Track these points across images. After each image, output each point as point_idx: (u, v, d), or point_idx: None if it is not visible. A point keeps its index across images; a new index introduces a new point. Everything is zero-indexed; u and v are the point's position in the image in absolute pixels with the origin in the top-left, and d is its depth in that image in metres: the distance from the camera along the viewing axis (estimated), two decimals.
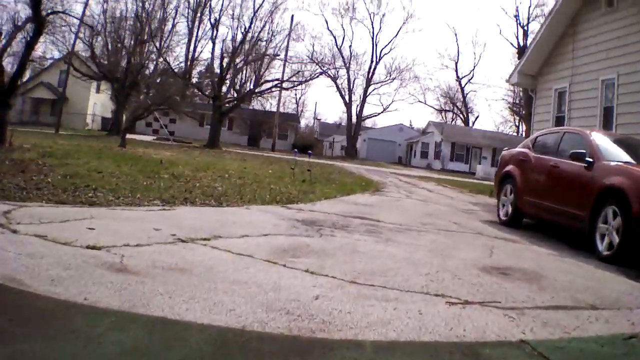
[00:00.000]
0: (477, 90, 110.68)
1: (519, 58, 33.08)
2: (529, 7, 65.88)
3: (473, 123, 77.21)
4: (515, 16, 34.34)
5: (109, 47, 44.68)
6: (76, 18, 19.18)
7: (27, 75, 60.59)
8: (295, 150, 24.72)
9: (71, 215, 7.36)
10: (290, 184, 15.10)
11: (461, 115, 78.07)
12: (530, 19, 35.63)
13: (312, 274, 5.43)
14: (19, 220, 6.54)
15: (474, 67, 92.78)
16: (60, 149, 17.69)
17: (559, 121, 19.49)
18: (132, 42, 43.61)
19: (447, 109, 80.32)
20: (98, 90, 58.25)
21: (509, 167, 11.60)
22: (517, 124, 74.64)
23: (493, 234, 9.88)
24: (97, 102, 60.47)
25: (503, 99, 73.73)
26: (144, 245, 5.99)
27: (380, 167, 42.20)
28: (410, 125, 77.98)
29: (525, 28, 33.93)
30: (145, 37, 42.46)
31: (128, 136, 26.54)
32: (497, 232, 10.15)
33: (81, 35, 42.19)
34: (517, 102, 63.55)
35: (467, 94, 76.12)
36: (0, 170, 10.98)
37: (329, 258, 6.20)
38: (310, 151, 27.33)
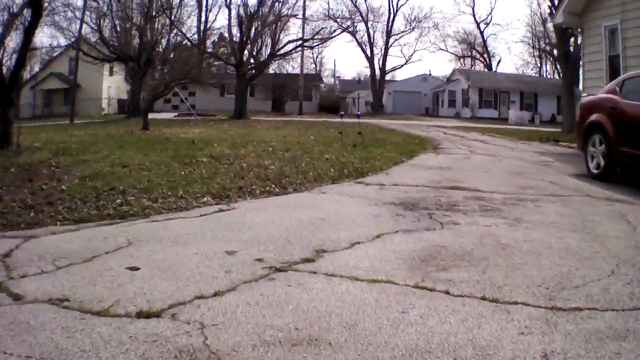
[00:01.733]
0: (496, 33, 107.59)
1: None
2: None
3: (496, 67, 76.82)
4: None
5: (118, 27, 42.96)
6: None
7: (36, 67, 59.45)
8: (341, 113, 23.20)
9: (99, 244, 5.23)
10: (342, 149, 14.32)
11: (483, 61, 77.60)
12: None
13: (498, 305, 3.77)
14: (24, 270, 4.40)
15: (491, 10, 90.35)
16: (75, 142, 15.63)
17: (613, 61, 17.99)
18: (142, 19, 41.70)
19: (469, 55, 79.79)
20: (111, 72, 56.55)
21: (596, 117, 10.76)
22: (539, 65, 74.65)
23: (602, 194, 8.66)
24: (112, 85, 58.74)
25: (522, 41, 73.29)
26: (225, 293, 3.87)
27: (412, 121, 40.80)
28: (430, 74, 76.86)
29: None
30: (154, 12, 40.49)
31: (149, 116, 24.45)
32: (605, 192, 8.87)
33: (87, 19, 40.81)
34: (543, 42, 62.56)
35: (486, 38, 75.71)
36: (3, 181, 8.86)
37: (486, 266, 4.67)
38: (341, 112, 27.09)
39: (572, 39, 28.68)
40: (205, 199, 7.73)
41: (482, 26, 74.45)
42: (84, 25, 40.96)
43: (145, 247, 5.10)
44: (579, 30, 20.95)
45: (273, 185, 8.94)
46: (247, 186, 8.76)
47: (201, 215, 6.63)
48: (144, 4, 40.94)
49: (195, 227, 5.95)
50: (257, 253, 4.90)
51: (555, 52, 45.77)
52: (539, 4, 46.22)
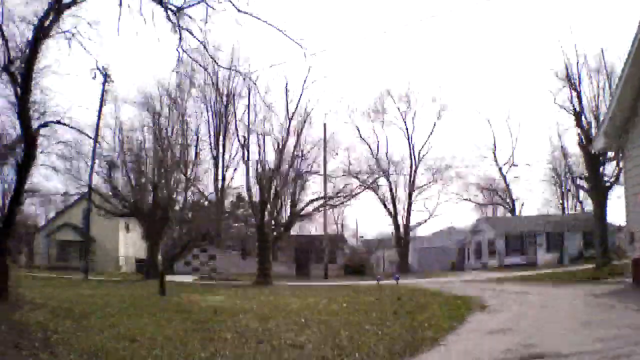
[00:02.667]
0: (518, 176, 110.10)
1: (577, 125, 32.00)
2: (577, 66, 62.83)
3: (520, 210, 75.61)
4: (568, 78, 32.37)
5: (132, 181, 42.49)
6: (78, 130, 16.43)
7: (51, 214, 59.59)
8: (379, 276, 21.97)
9: None
10: (382, 317, 13.15)
11: (506, 206, 76.56)
12: (581, 79, 34.37)
13: None
14: None
15: (513, 151, 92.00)
16: (83, 302, 14.25)
17: None
18: (156, 173, 41.47)
19: (491, 201, 79.10)
20: (127, 229, 56.09)
21: None
22: (561, 201, 74.18)
23: None
24: (128, 242, 57.95)
25: (544, 180, 73.61)
26: None
27: (442, 277, 39.24)
28: (452, 226, 75.75)
29: (579, 90, 32.31)
30: (169, 165, 40.27)
31: (167, 278, 23.17)
32: None
33: (98, 169, 40.52)
34: (565, 176, 63.38)
35: (509, 182, 74.56)
36: None
37: None
38: (379, 276, 25.71)
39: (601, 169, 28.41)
40: None
41: (504, 169, 73.95)
42: (97, 176, 40.40)
43: None
44: (620, 152, 20.60)
45: None
46: None
47: None
48: (157, 159, 40.78)
49: None
50: None
51: (582, 183, 45.66)
52: (559, 136, 46.60)
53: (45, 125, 16.33)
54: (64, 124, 16.16)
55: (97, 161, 39.05)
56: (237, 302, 18.94)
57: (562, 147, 48.93)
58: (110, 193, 42.52)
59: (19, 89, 13.40)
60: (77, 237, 51.05)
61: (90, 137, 28.08)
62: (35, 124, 14.65)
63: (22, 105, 13.43)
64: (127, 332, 9.86)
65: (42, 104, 17.27)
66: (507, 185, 74.89)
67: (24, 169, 13.82)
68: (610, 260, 27.80)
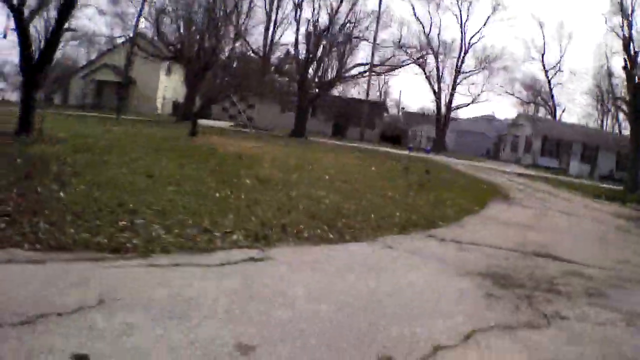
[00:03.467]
0: (562, 83, 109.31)
1: (624, 50, 31.30)
2: None
3: (560, 116, 76.27)
4: (621, 5, 31.58)
5: (181, 28, 42.45)
6: None
7: (90, 57, 59.64)
8: (411, 146, 21.73)
9: (55, 295, 3.72)
10: (408, 188, 13.11)
11: (548, 109, 76.76)
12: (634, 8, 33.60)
13: None
14: None
15: (560, 58, 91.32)
16: (108, 139, 14.35)
17: None
18: (205, 22, 41.08)
19: (533, 101, 79.05)
20: (169, 73, 56.05)
21: None
22: (600, 118, 74.36)
23: None
24: (168, 85, 58.09)
25: (587, 93, 72.86)
26: None
27: (475, 162, 39.28)
28: (493, 116, 77.61)
29: (630, 19, 31.64)
30: (219, 16, 39.78)
31: (203, 122, 23.21)
32: None
33: (147, 14, 40.23)
34: (607, 97, 61.61)
35: (553, 86, 74.72)
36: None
37: None
38: (411, 145, 25.43)
39: None
40: (236, 237, 6.09)
41: (550, 74, 73.92)
42: (144, 21, 40.56)
43: (118, 314, 3.49)
44: None
45: (326, 227, 7.30)
46: (293, 224, 7.12)
47: (222, 265, 4.98)
48: (208, 7, 40.26)
49: (207, 288, 4.29)
50: (288, 356, 3.24)
51: (622, 106, 45.42)
52: (606, 57, 45.58)
53: None
54: None
55: (146, 6, 39.02)
56: (266, 150, 18.98)
57: (608, 67, 48.12)
58: (156, 37, 42.30)
59: None
60: (116, 78, 51.12)
61: None
62: None
63: None
64: (146, 169, 9.87)
65: None
66: (551, 89, 75.04)
67: (66, 9, 13.51)
68: (638, 187, 27.45)
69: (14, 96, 76.12)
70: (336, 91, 54.18)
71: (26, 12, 13.31)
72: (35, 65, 12.58)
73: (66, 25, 14.12)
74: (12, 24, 13.50)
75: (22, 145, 10.77)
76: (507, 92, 79.62)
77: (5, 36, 51.90)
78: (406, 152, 23.09)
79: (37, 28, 13.87)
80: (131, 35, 40.14)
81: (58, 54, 67.90)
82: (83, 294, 3.73)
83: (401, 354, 3.55)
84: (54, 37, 14.02)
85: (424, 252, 6.79)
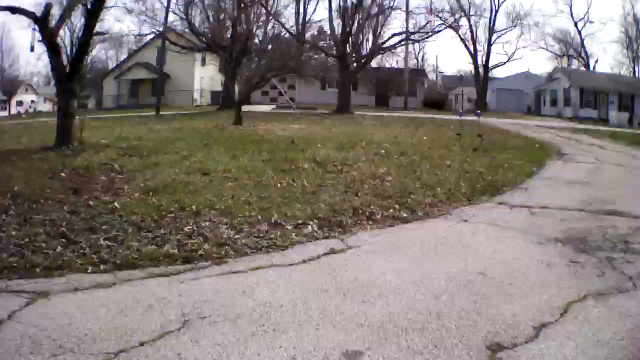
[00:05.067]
0: (593, 32, 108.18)
1: None
2: None
3: (593, 67, 77.07)
4: None
5: (210, 17, 42.66)
6: None
7: (121, 57, 60.32)
8: (460, 111, 21.32)
9: (135, 321, 3.55)
10: (463, 154, 13.19)
11: (581, 60, 78.48)
12: None
13: None
14: None
15: (588, 9, 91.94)
16: (152, 139, 14.23)
17: None
18: (235, 8, 41.11)
19: (566, 54, 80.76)
20: (203, 63, 56.24)
21: None
22: (632, 66, 75.21)
23: None
24: (204, 75, 58.43)
25: (616, 42, 74.63)
26: None
27: (518, 119, 38.70)
28: (529, 72, 77.28)
29: None
30: (249, 1, 39.83)
31: (244, 108, 23.06)
32: None
33: (174, 7, 40.42)
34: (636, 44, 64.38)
35: (584, 37, 76.42)
36: (42, 192, 7.33)
37: None
38: (460, 110, 25.39)
39: None
40: (309, 228, 5.84)
41: (579, 25, 76.14)
42: (173, 14, 40.52)
43: (207, 335, 3.24)
44: None
45: (397, 206, 7.08)
46: (364, 207, 6.88)
47: (304, 262, 4.72)
48: None
49: (295, 291, 4.03)
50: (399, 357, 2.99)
51: None
52: (632, 4, 46.31)
53: None
54: None
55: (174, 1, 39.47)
56: (316, 131, 18.71)
57: (633, 13, 48.40)
58: (187, 30, 42.68)
59: None
60: (149, 75, 51.62)
61: None
62: None
63: None
64: (199, 166, 9.70)
65: None
66: (582, 41, 76.63)
67: (93, 15, 13.42)
68: None
69: (45, 107, 77.90)
70: (374, 63, 54.79)
71: (52, 22, 13.26)
72: (69, 74, 12.51)
73: (95, 30, 14.00)
74: (38, 36, 13.43)
75: (65, 157, 10.68)
76: (540, 47, 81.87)
77: (32, 49, 52.92)
78: (455, 117, 22.80)
79: (66, 36, 13.83)
80: (161, 30, 40.18)
81: (88, 58, 69.00)
82: (164, 317, 3.50)
83: (508, 339, 3.40)
84: (83, 43, 13.95)
85: (499, 222, 6.61)
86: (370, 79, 59.60)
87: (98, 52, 78.51)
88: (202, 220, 5.97)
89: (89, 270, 4.53)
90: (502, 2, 68.86)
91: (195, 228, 5.66)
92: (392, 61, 55.85)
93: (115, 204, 6.67)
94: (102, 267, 4.61)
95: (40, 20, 12.35)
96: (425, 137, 17.19)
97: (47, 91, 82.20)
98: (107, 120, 23.88)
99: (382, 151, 12.87)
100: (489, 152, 13.79)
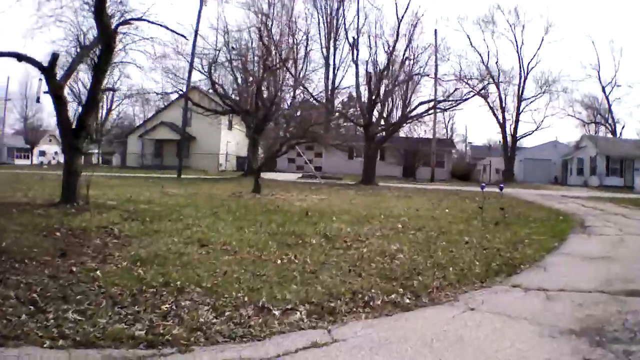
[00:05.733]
0: (621, 97, 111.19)
1: None
2: None
3: (620, 133, 79.04)
4: None
5: (237, 79, 43.14)
6: (161, 25, 15.24)
7: (149, 113, 61.28)
8: (483, 184, 21.20)
9: None
10: (484, 228, 12.89)
11: (608, 127, 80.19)
12: None
13: None
14: None
15: (615, 72, 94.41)
16: (162, 204, 14.08)
17: None
18: (260, 71, 41.52)
19: (594, 120, 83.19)
20: (230, 127, 56.96)
21: None
22: None
23: None
24: (231, 140, 59.11)
25: None
26: None
27: (545, 190, 39.22)
28: (557, 140, 78.83)
29: None
30: (275, 64, 40.15)
31: (268, 176, 23.07)
32: None
33: (198, 66, 41.08)
34: None
35: (611, 103, 78.03)
36: (29, 253, 7.15)
37: None
38: (483, 184, 25.39)
39: None
40: (298, 315, 5.47)
41: (607, 90, 77.10)
42: (197, 72, 41.12)
43: None
44: None
45: (401, 290, 6.66)
46: (365, 290, 6.48)
47: (277, 357, 4.33)
48: (263, 56, 40.76)
49: None
50: None
51: None
52: None
53: (125, 22, 15.99)
54: (149, 21, 15.58)
55: (198, 60, 39.92)
56: (335, 202, 18.49)
57: None
58: (211, 90, 42.86)
59: None
60: (174, 136, 52.20)
61: (183, 36, 27.88)
62: (114, 23, 14.35)
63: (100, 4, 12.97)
64: (200, 236, 9.45)
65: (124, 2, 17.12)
66: (609, 106, 78.23)
67: (100, 70, 13.53)
68: None
69: None
70: (402, 132, 55.27)
71: (59, 74, 13.33)
72: (75, 131, 12.50)
73: (104, 86, 14.09)
74: (45, 87, 13.54)
75: (66, 215, 10.53)
76: (568, 115, 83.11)
77: (38, 100, 53.85)
78: (478, 189, 22.81)
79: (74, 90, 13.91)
80: (184, 90, 40.60)
81: (114, 114, 70.30)
82: None
83: None
84: (90, 99, 13.97)
85: (510, 311, 6.08)
86: (398, 149, 59.99)
87: (125, 107, 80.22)
88: (184, 298, 5.66)
89: (45, 345, 4.25)
90: (532, 68, 70.35)
91: (173, 307, 5.34)
92: (421, 131, 56.65)
93: (98, 272, 6.41)
94: (60, 342, 4.32)
95: (47, 71, 12.41)
96: (447, 211, 16.97)
97: None
98: (126, 179, 23.96)
99: (399, 225, 12.60)
100: (511, 225, 13.58)
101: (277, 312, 5.48)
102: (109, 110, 77.38)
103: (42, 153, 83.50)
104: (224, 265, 7.28)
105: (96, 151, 72.11)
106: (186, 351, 4.31)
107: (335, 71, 59.84)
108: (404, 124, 47.49)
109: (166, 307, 5.32)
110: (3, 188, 17.53)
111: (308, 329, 5.13)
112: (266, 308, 5.57)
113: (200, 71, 41.42)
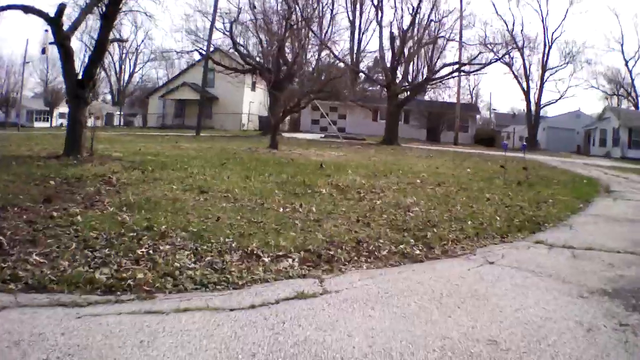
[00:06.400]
0: None
1: None
2: None
3: None
4: None
5: (259, 39, 42.42)
6: None
7: (168, 74, 60.83)
8: (505, 142, 20.56)
9: None
10: (506, 187, 12.34)
11: (631, 99, 79.40)
12: None
13: None
14: None
15: (639, 48, 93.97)
16: (171, 156, 13.60)
17: None
18: (283, 30, 40.75)
19: (616, 93, 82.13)
20: (253, 88, 56.27)
21: None
22: None
23: None
24: (254, 100, 58.39)
25: None
26: None
27: (567, 158, 37.93)
28: (579, 111, 79.12)
29: None
30: (297, 22, 39.32)
31: (290, 135, 22.50)
32: None
33: (220, 25, 40.27)
34: None
35: (634, 77, 78.45)
36: (16, 196, 6.73)
37: None
38: (505, 142, 25.43)
39: None
40: (289, 262, 4.89)
41: (630, 64, 76.91)
42: (221, 34, 40.82)
43: None
44: None
45: (412, 241, 6.03)
46: (371, 240, 5.86)
47: (251, 308, 3.72)
48: (284, 13, 39.93)
49: (207, 351, 3.04)
50: None
51: None
52: None
53: None
54: None
55: (220, 19, 39.31)
56: (353, 158, 17.91)
57: None
58: (232, 50, 42.19)
59: None
60: (195, 96, 51.56)
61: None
62: None
63: None
64: (202, 184, 8.93)
65: None
66: (632, 79, 77.20)
67: (108, 19, 12.99)
68: None
69: (90, 121, 79.09)
70: (427, 96, 55.43)
71: (66, 24, 12.82)
72: (80, 81, 12.00)
73: (112, 36, 13.54)
74: (51, 38, 13.04)
75: (66, 166, 10.07)
76: (592, 87, 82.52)
77: (44, 51, 53.34)
78: (501, 153, 22.17)
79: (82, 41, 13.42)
80: (204, 54, 39.89)
81: (137, 76, 70.02)
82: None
83: None
84: (97, 48, 13.43)
85: (533, 266, 5.41)
86: (422, 113, 59.28)
87: (148, 70, 79.75)
88: (165, 242, 5.11)
89: (9, 287, 3.77)
90: (556, 39, 69.71)
91: (150, 252, 4.80)
92: (445, 95, 56.16)
93: (79, 217, 5.89)
94: (10, 285, 3.81)
95: (54, 21, 11.89)
96: (468, 170, 16.33)
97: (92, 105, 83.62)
98: (142, 136, 23.51)
99: (418, 180, 12.00)
100: (534, 186, 13.01)
101: (266, 259, 4.90)
102: (132, 73, 76.89)
103: (62, 115, 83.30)
104: (220, 212, 6.73)
105: (118, 112, 71.98)
106: (146, 298, 3.74)
107: (361, 35, 59.22)
108: (427, 86, 47.03)
109: (142, 252, 4.77)
110: (10, 145, 17.17)
111: (297, 277, 4.53)
112: (255, 254, 5.00)
113: (220, 30, 40.82)
